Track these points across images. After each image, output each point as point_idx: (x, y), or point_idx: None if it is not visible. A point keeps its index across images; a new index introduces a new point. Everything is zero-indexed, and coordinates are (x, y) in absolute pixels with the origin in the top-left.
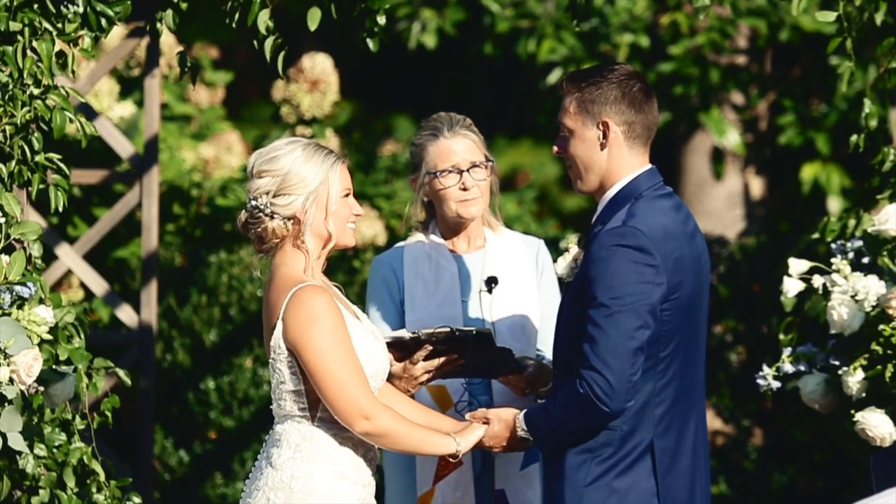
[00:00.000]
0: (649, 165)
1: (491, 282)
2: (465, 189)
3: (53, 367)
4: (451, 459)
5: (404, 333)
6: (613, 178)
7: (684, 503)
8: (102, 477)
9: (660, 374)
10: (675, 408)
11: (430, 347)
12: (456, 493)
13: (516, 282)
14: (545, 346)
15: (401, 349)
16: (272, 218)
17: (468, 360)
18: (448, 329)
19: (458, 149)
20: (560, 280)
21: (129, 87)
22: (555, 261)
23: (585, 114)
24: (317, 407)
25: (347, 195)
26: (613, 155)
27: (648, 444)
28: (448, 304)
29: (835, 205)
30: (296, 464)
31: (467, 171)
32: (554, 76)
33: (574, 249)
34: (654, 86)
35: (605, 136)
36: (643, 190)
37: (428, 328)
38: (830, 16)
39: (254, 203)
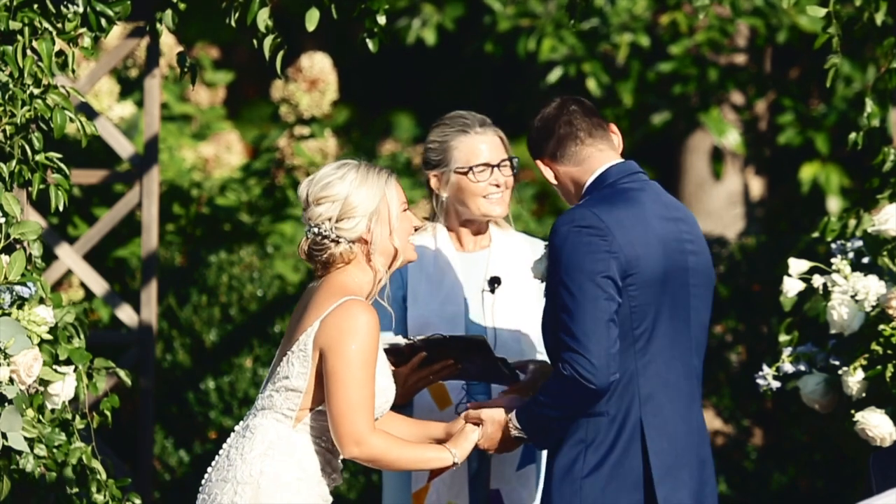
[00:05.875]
0: (618, 160)
1: (494, 282)
2: (496, 185)
3: (53, 367)
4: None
5: (400, 340)
6: (581, 185)
7: (689, 488)
8: (103, 477)
9: (640, 353)
10: (664, 389)
11: (425, 353)
12: (451, 491)
13: (519, 283)
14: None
15: (397, 355)
16: (338, 243)
17: (464, 365)
18: (441, 336)
19: (489, 145)
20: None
21: (129, 87)
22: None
23: (532, 158)
24: (305, 414)
25: (406, 209)
26: (563, 180)
27: (638, 425)
28: (451, 302)
29: (834, 205)
30: (265, 461)
31: (497, 167)
32: (554, 75)
33: (546, 250)
34: (653, 85)
35: (547, 173)
36: (611, 180)
37: (422, 335)
38: (821, 11)
39: (317, 230)
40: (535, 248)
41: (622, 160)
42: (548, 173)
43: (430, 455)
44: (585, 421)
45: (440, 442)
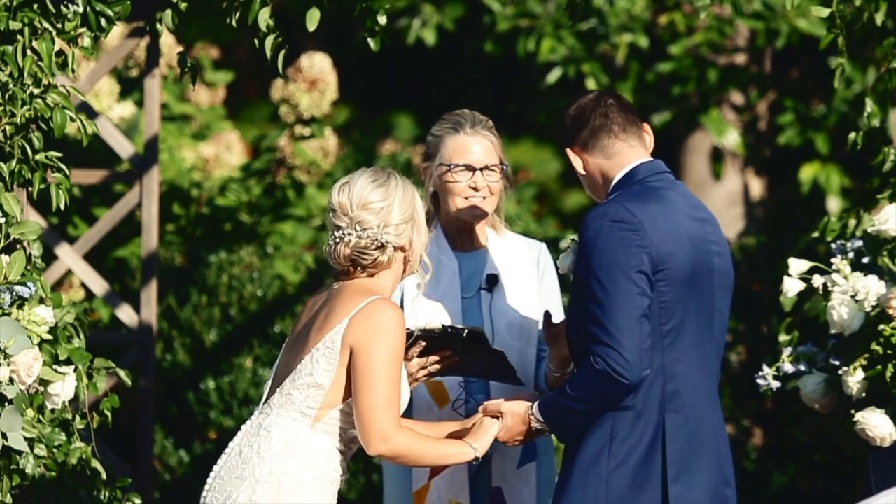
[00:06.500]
0: (648, 158)
1: (491, 280)
2: (475, 189)
3: (53, 367)
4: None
5: None
6: (609, 179)
7: (709, 483)
8: (103, 476)
9: (667, 350)
10: (688, 386)
11: (424, 343)
12: (451, 489)
13: (516, 281)
14: (545, 346)
15: None
16: (383, 249)
17: (463, 358)
18: (441, 326)
19: (476, 147)
20: (565, 277)
21: (129, 87)
22: (556, 261)
23: (562, 146)
24: (324, 413)
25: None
26: (593, 171)
27: (661, 421)
28: (448, 300)
29: (834, 205)
30: (286, 460)
31: (480, 170)
32: (554, 75)
33: (572, 243)
34: (652, 86)
35: (576, 162)
36: (640, 177)
37: (420, 326)
38: (824, 11)
39: (363, 234)
40: (532, 248)
41: (651, 159)
42: (577, 162)
43: (453, 450)
44: (612, 414)
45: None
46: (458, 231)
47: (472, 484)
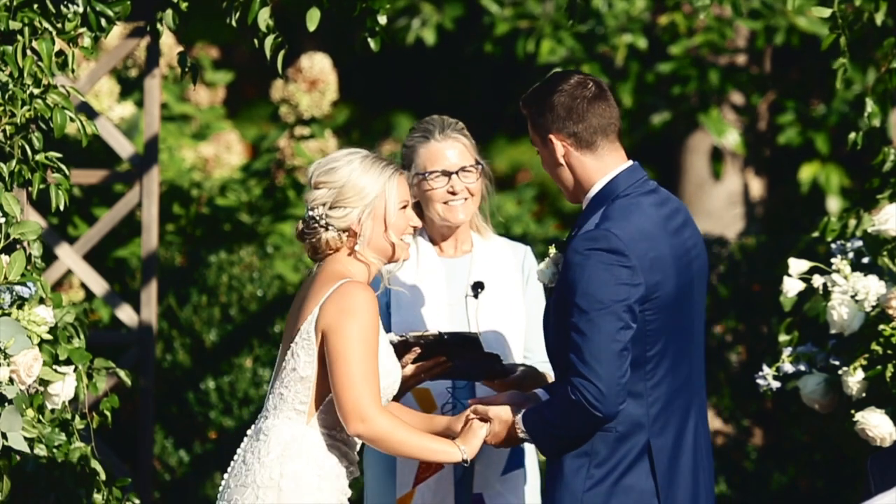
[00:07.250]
0: (628, 163)
1: (477, 287)
2: (453, 193)
3: (53, 367)
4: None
5: (392, 337)
6: (589, 183)
7: (688, 502)
8: (103, 477)
9: (649, 374)
10: (670, 406)
11: (419, 350)
12: (436, 496)
13: (502, 287)
14: (530, 352)
15: None
16: (327, 229)
17: (455, 362)
18: (436, 333)
19: (448, 152)
20: (544, 286)
21: (129, 87)
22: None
23: (536, 133)
24: (316, 407)
25: (405, 207)
26: (576, 166)
27: (645, 444)
28: (434, 307)
29: (834, 205)
30: (284, 462)
31: (456, 174)
32: None
33: (553, 254)
34: (652, 86)
35: (558, 151)
36: (621, 189)
37: (416, 331)
38: (826, 12)
39: (310, 214)
40: (517, 252)
41: (628, 164)
42: (558, 150)
43: (437, 447)
44: (594, 434)
45: (442, 436)
46: (442, 237)
47: (456, 491)
